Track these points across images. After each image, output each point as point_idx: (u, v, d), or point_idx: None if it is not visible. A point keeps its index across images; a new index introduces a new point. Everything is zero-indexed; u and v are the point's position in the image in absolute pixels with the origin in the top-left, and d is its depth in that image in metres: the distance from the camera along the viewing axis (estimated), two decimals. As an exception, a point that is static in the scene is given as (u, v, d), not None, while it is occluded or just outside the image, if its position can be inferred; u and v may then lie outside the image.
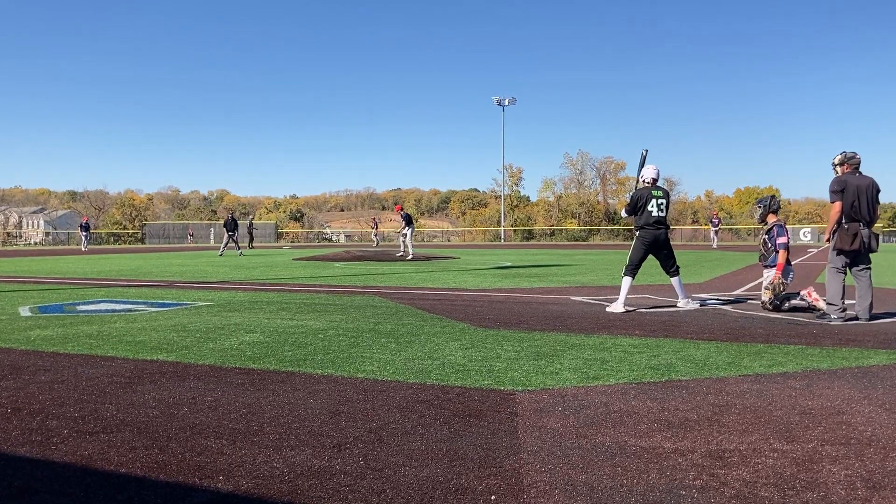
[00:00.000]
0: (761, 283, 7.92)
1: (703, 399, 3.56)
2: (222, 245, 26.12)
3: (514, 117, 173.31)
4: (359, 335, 5.65)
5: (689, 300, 7.75)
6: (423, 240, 67.65)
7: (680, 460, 2.64)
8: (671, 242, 7.77)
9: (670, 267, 7.67)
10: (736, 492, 2.32)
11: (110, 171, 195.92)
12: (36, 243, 67.51)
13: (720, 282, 11.62)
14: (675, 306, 7.67)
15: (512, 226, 66.55)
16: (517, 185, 77.52)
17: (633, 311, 7.34)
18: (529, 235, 65.08)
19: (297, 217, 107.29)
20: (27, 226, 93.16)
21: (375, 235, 44.65)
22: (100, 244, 58.89)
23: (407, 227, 21.54)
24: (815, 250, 27.93)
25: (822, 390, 3.74)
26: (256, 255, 26.67)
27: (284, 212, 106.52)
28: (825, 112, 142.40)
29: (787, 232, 7.63)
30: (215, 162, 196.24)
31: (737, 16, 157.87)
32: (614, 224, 63.45)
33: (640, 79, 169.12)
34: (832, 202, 6.48)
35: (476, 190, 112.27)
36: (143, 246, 52.96)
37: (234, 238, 25.58)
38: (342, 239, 76.94)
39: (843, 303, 6.53)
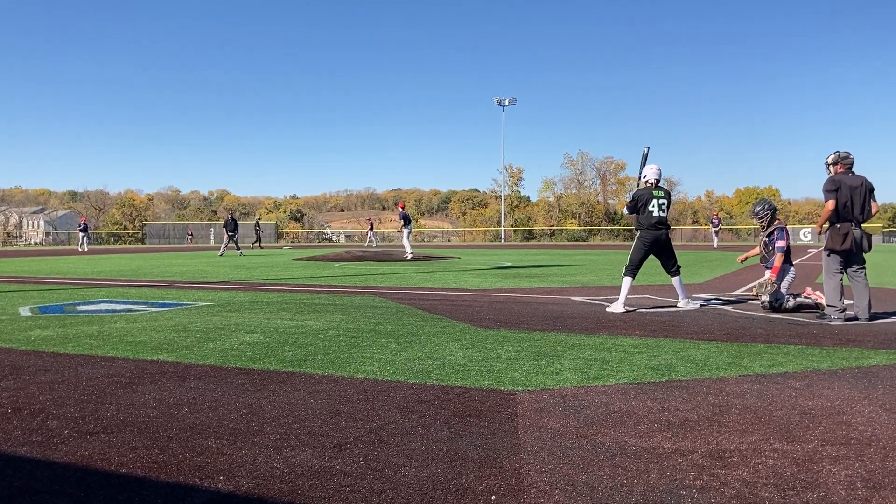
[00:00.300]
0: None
1: (703, 399, 3.56)
2: (222, 245, 26.11)
3: (514, 117, 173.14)
4: (359, 335, 5.65)
5: (690, 300, 7.75)
6: (423, 240, 67.67)
7: (680, 460, 2.64)
8: (671, 242, 7.77)
9: (671, 267, 7.67)
10: (736, 492, 2.32)
11: (110, 171, 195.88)
12: (36, 243, 67.52)
13: (720, 282, 11.62)
14: (675, 306, 7.67)
15: (512, 226, 66.55)
16: (517, 185, 77.60)
17: (634, 311, 7.34)
18: (530, 236, 65.09)
19: (298, 217, 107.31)
20: (27, 226, 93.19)
21: (372, 236, 44.57)
22: (100, 244, 58.91)
23: (404, 227, 21.53)
24: (815, 250, 27.94)
25: (822, 390, 3.74)
26: (256, 255, 26.67)
27: (284, 212, 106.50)
28: (825, 112, 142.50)
29: (786, 236, 7.60)
30: (215, 162, 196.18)
31: (737, 16, 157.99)
32: (614, 224, 63.47)
33: (640, 79, 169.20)
34: (826, 200, 6.49)
35: (476, 190, 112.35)
36: (144, 246, 52.98)
37: (234, 238, 25.57)
38: (342, 239, 76.95)
39: (843, 303, 6.54)
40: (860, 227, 6.48)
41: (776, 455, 2.70)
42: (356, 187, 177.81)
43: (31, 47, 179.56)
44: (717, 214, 42.09)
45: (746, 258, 8.57)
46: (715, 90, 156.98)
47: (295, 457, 2.68)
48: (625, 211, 7.78)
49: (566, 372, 4.20)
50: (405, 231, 21.43)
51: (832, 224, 6.52)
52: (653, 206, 7.41)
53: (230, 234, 25.49)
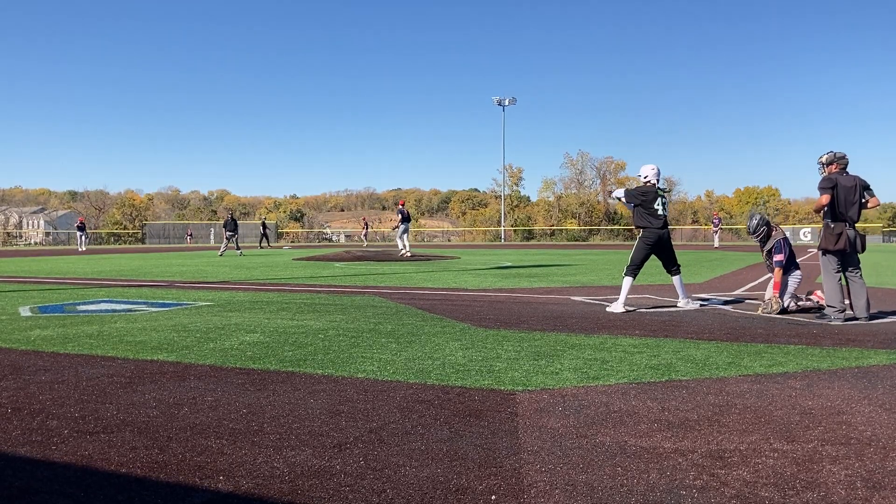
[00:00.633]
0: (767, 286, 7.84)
1: (703, 399, 3.56)
2: (222, 245, 26.11)
3: (514, 117, 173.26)
4: (359, 335, 5.65)
5: (690, 300, 7.75)
6: (423, 240, 67.66)
7: (680, 460, 2.64)
8: (672, 242, 7.77)
9: (671, 266, 7.67)
10: (736, 492, 2.32)
11: (110, 171, 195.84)
12: (36, 243, 67.51)
13: (720, 282, 11.62)
14: (675, 306, 7.67)
15: (512, 226, 66.56)
16: (517, 185, 77.64)
17: (634, 311, 7.34)
18: (529, 235, 65.09)
19: (298, 217, 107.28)
20: (27, 226, 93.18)
21: (365, 236, 44.46)
22: (100, 244, 58.90)
23: (401, 224, 21.57)
24: (815, 250, 27.93)
25: (822, 390, 3.74)
26: (256, 255, 26.67)
27: (285, 212, 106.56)
28: (825, 112, 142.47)
29: (785, 247, 7.42)
30: (215, 162, 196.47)
31: (737, 16, 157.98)
32: (614, 224, 63.46)
33: (640, 79, 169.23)
34: (821, 195, 6.47)
35: (476, 190, 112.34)
36: (144, 246, 52.98)
37: (234, 238, 25.56)
38: (342, 239, 76.97)
39: (843, 303, 6.53)
40: (854, 228, 6.47)
41: (776, 455, 2.70)
42: (356, 187, 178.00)
43: (32, 47, 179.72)
44: (717, 214, 42.15)
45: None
46: (715, 90, 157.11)
47: (295, 457, 2.68)
48: (620, 194, 7.73)
49: (566, 372, 4.20)
50: (401, 228, 21.42)
51: (826, 223, 6.52)
52: (658, 205, 7.42)
53: (230, 233, 25.49)
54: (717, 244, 36.39)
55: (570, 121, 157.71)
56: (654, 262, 7.84)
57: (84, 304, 8.34)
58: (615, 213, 70.88)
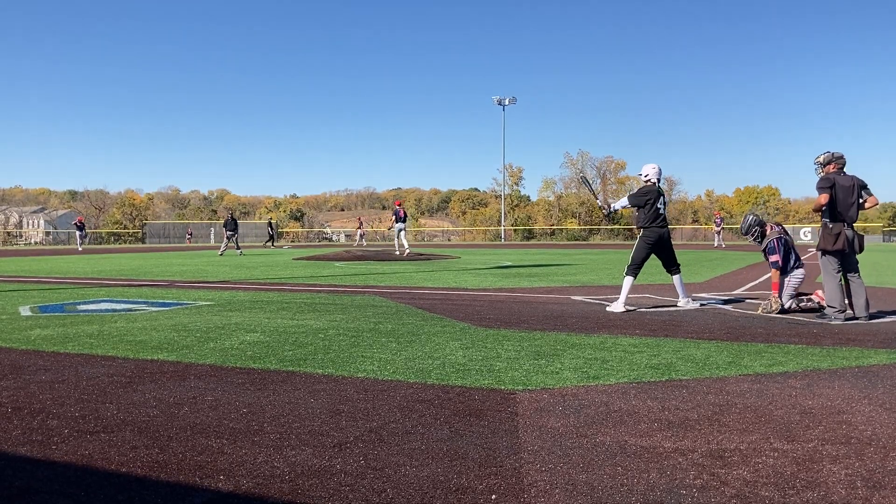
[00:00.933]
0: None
1: (703, 398, 3.56)
2: (223, 245, 26.12)
3: (514, 117, 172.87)
4: (359, 335, 5.65)
5: (690, 300, 7.75)
6: (423, 239, 67.68)
7: (680, 460, 2.64)
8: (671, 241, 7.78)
9: (671, 266, 7.67)
10: (736, 491, 2.32)
11: (110, 170, 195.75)
12: (36, 243, 67.51)
13: (720, 281, 11.62)
14: (675, 306, 7.67)
15: (512, 225, 66.55)
16: (517, 184, 77.56)
17: (634, 310, 7.34)
18: (530, 235, 65.08)
19: (298, 217, 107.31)
20: (27, 225, 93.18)
21: (360, 236, 44.40)
22: (100, 244, 58.91)
23: (396, 223, 21.72)
24: (815, 250, 27.93)
25: (822, 390, 3.74)
26: (257, 254, 26.67)
27: (285, 211, 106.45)
28: (825, 112, 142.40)
29: (779, 249, 7.36)
30: (215, 161, 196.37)
31: (737, 16, 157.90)
32: (614, 224, 63.44)
33: (640, 79, 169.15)
34: (820, 195, 6.47)
35: (476, 189, 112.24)
36: (144, 245, 52.97)
37: (234, 238, 25.57)
38: (342, 238, 76.97)
39: (843, 303, 6.53)
40: (852, 228, 6.47)
41: (776, 454, 2.70)
42: (356, 187, 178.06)
43: (32, 47, 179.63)
44: (718, 214, 42.09)
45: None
46: (715, 89, 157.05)
47: (295, 456, 2.68)
48: (622, 204, 7.74)
49: (566, 371, 4.20)
50: (397, 227, 21.60)
51: (824, 224, 6.52)
52: (660, 204, 7.43)
53: (230, 233, 25.49)
54: (718, 243, 36.31)
55: (571, 120, 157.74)
56: (654, 262, 7.84)
57: (84, 303, 8.34)
58: (615, 212, 70.79)
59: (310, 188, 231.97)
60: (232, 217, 26.28)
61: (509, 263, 18.22)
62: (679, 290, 7.72)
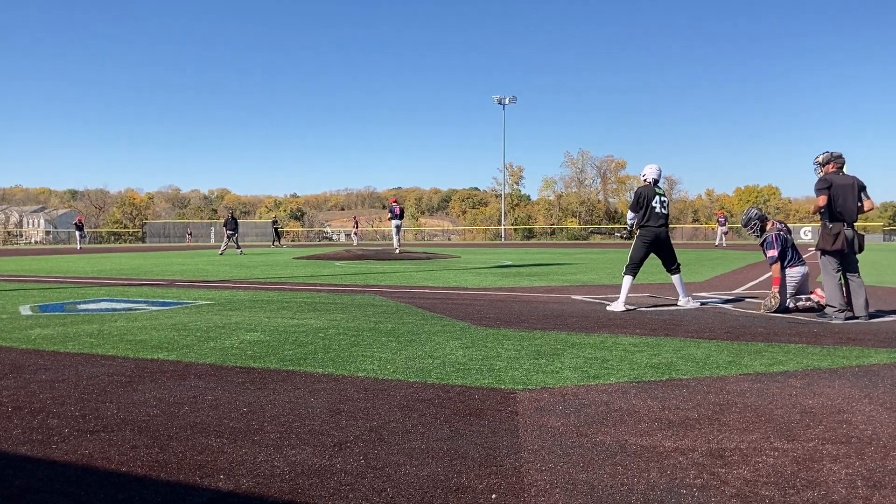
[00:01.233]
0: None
1: (703, 398, 3.56)
2: (223, 244, 26.12)
3: (514, 116, 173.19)
4: (359, 334, 5.65)
5: (690, 299, 7.75)
6: (423, 239, 67.67)
7: (681, 459, 2.64)
8: (671, 241, 7.77)
9: (671, 265, 7.67)
10: (737, 490, 2.32)
11: (111, 170, 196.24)
12: (36, 242, 67.52)
13: (720, 280, 11.62)
14: (675, 305, 7.67)
15: (512, 225, 66.54)
16: (518, 183, 77.57)
17: (634, 309, 7.34)
18: (530, 234, 65.08)
19: (298, 216, 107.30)
20: (28, 225, 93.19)
21: (355, 235, 44.36)
22: (100, 243, 58.91)
23: (392, 220, 21.95)
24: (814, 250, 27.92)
25: (822, 389, 3.74)
26: (257, 254, 26.67)
27: (285, 211, 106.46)
28: (825, 111, 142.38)
29: (777, 244, 7.33)
30: (216, 161, 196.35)
31: (737, 15, 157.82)
32: (615, 223, 63.44)
33: (640, 78, 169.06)
34: (818, 196, 6.48)
35: (476, 189, 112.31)
36: (144, 245, 52.97)
37: (235, 237, 25.57)
38: (342, 238, 76.95)
39: (843, 302, 6.53)
40: (852, 227, 6.47)
41: (776, 454, 2.70)
42: (356, 186, 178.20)
43: (32, 46, 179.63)
44: (721, 213, 42.01)
45: None
46: (715, 89, 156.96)
47: (295, 455, 2.68)
48: (629, 214, 7.77)
49: (566, 371, 4.20)
50: (394, 224, 21.85)
51: (824, 223, 6.52)
52: (655, 203, 7.44)
53: (230, 232, 25.49)
54: (720, 243, 36.25)
55: (571, 119, 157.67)
56: (654, 261, 7.84)
57: (84, 302, 8.34)
58: (615, 212, 70.88)
59: (310, 187, 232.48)
60: (232, 216, 26.30)
61: (509, 263, 18.22)
62: (679, 289, 7.72)
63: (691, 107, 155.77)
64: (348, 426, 3.07)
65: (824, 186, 6.43)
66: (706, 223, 66.81)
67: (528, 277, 12.44)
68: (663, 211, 7.49)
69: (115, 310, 7.52)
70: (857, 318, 6.52)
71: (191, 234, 60.57)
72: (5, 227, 74.88)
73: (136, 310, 7.51)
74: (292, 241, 65.52)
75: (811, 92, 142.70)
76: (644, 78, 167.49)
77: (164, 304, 8.14)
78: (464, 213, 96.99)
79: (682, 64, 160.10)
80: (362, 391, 3.71)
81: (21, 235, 75.28)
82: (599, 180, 75.00)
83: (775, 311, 7.19)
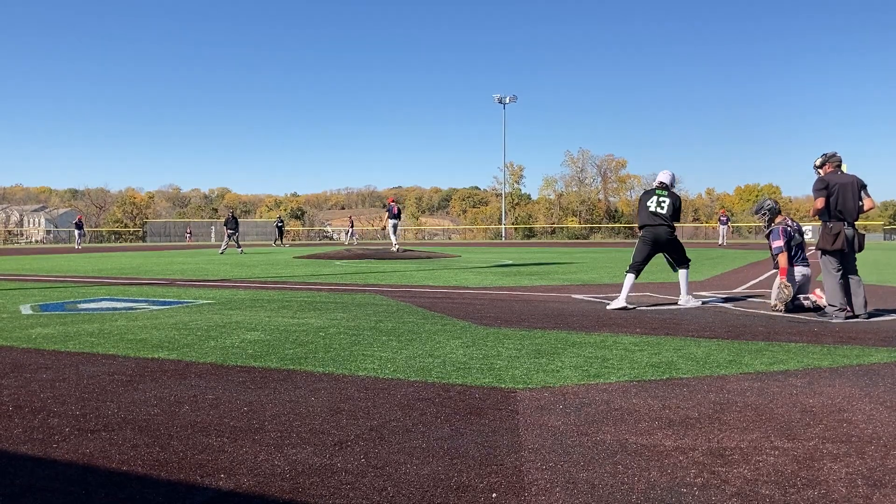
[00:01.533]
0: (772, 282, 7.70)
1: (704, 397, 3.56)
2: (223, 243, 26.13)
3: (515, 115, 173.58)
4: (360, 333, 5.65)
5: (691, 298, 7.76)
6: (424, 238, 67.68)
7: (681, 458, 2.64)
8: (678, 240, 7.80)
9: (679, 262, 7.73)
10: (737, 489, 2.32)
11: (111, 169, 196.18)
12: (37, 241, 67.53)
13: (721, 279, 11.61)
14: (676, 304, 7.68)
15: (513, 224, 66.53)
16: (518, 182, 77.48)
17: (634, 308, 7.34)
18: (530, 233, 65.06)
19: (298, 215, 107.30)
20: (28, 224, 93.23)
21: (352, 235, 44.23)
22: (101, 242, 58.92)
23: (389, 219, 22.07)
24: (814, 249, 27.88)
25: (823, 388, 3.74)
26: (257, 253, 26.68)
27: (285, 210, 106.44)
28: (825, 110, 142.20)
29: (782, 236, 7.30)
30: (216, 160, 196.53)
31: (737, 15, 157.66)
32: (615, 222, 63.44)
33: (641, 77, 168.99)
34: (816, 199, 6.49)
35: (477, 188, 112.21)
36: (144, 244, 52.98)
37: (235, 236, 25.58)
38: (342, 237, 76.94)
39: (843, 301, 6.53)
40: (853, 227, 6.47)
41: (777, 453, 2.70)
42: (357, 185, 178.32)
43: (32, 45, 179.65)
44: (724, 212, 42.00)
45: None
46: (715, 88, 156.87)
47: (296, 454, 2.68)
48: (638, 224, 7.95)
49: (567, 370, 4.20)
50: (391, 223, 21.99)
51: (824, 223, 6.53)
52: (651, 203, 7.58)
53: (231, 231, 25.50)
54: (723, 242, 36.24)
55: (571, 118, 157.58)
56: (658, 261, 7.84)
57: (85, 302, 8.35)
58: (616, 211, 70.88)
59: (310, 187, 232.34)
60: (233, 216, 26.31)
61: (510, 262, 18.22)
62: (683, 286, 7.73)
63: (692, 106, 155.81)
64: (349, 425, 3.07)
65: (821, 188, 6.45)
66: (706, 222, 66.78)
67: (528, 276, 12.44)
68: (658, 210, 7.53)
69: (115, 309, 7.52)
70: (856, 316, 6.52)
71: (191, 234, 60.55)
72: (6, 227, 74.92)
73: (136, 309, 7.51)
74: (293, 240, 65.52)
75: (811, 91, 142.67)
76: (645, 77, 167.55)
77: (164, 303, 8.15)
78: (464, 212, 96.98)
79: (682, 63, 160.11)
80: (363, 390, 3.72)
81: (22, 235, 75.29)
82: (600, 179, 74.94)
83: (786, 304, 7.08)
